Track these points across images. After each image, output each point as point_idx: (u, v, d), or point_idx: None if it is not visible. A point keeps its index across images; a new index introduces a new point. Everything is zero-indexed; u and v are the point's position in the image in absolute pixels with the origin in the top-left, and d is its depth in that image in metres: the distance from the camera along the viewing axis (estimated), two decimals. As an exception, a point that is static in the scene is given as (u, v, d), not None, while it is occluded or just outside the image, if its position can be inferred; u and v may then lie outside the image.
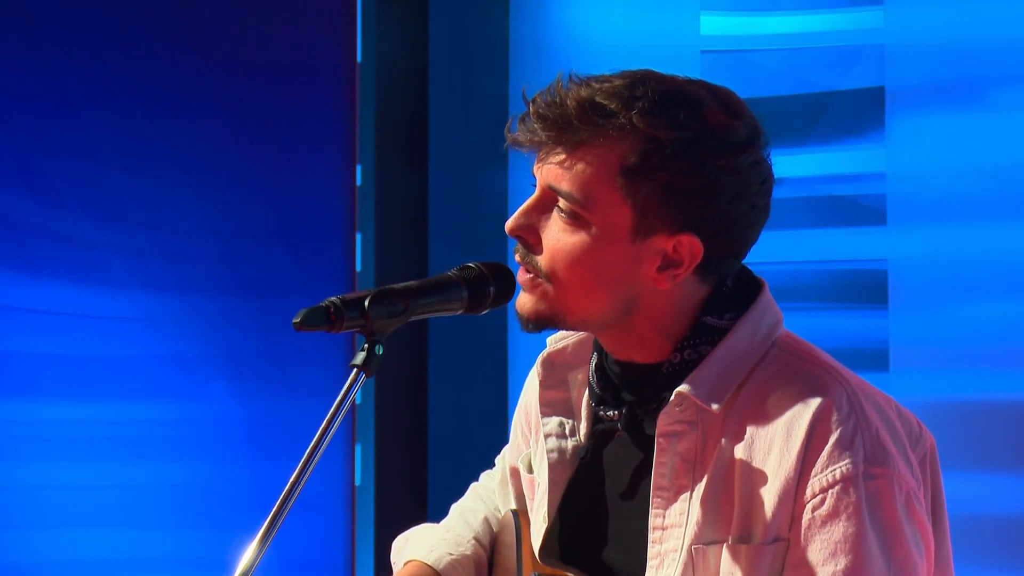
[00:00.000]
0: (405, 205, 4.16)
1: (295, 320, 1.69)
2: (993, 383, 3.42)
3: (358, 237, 4.13)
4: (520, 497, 2.12)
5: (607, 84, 1.79)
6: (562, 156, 1.79)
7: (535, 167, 1.84)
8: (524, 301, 1.84)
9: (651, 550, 1.80)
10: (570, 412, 1.97)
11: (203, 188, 3.94)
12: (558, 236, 1.80)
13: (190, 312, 3.90)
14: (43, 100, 3.70)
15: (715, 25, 3.79)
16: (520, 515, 2.05)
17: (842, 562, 1.71)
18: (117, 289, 3.80)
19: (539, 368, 1.98)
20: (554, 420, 1.97)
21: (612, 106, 1.77)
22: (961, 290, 3.47)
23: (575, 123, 1.77)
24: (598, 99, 1.77)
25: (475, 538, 2.11)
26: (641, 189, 1.77)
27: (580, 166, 1.78)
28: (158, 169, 3.87)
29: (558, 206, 1.81)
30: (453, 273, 1.84)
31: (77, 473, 3.73)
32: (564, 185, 1.79)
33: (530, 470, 2.01)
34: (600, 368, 1.91)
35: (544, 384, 1.98)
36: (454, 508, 2.19)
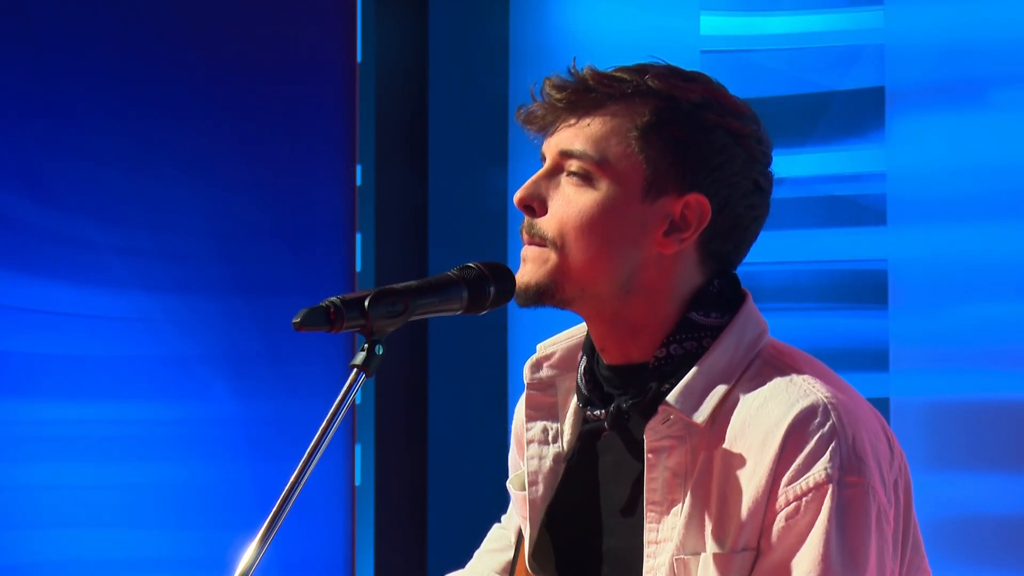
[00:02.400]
0: (405, 205, 4.16)
1: (295, 320, 1.68)
2: (993, 383, 3.42)
3: (358, 237, 4.13)
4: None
5: (618, 66, 1.85)
6: (576, 120, 1.83)
7: (545, 143, 1.86)
8: (524, 272, 1.84)
9: (646, 564, 1.79)
10: (555, 417, 1.96)
11: (203, 188, 3.94)
12: (568, 198, 1.82)
13: (190, 312, 3.91)
14: (43, 100, 3.70)
15: (715, 25, 3.79)
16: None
17: (811, 568, 1.70)
18: (117, 289, 3.80)
19: (527, 372, 1.97)
20: (538, 426, 1.96)
21: (626, 76, 1.83)
22: (961, 290, 3.47)
23: (592, 85, 1.82)
24: (611, 72, 1.84)
25: (499, 574, 2.11)
26: (655, 146, 1.80)
27: (595, 126, 1.82)
28: (158, 169, 3.87)
29: (569, 171, 1.83)
30: (453, 273, 1.83)
31: (77, 473, 3.73)
32: (578, 145, 1.82)
33: (522, 488, 2.01)
34: (589, 371, 1.90)
35: (531, 387, 1.97)
36: (476, 554, 2.17)
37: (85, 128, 3.77)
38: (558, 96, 1.83)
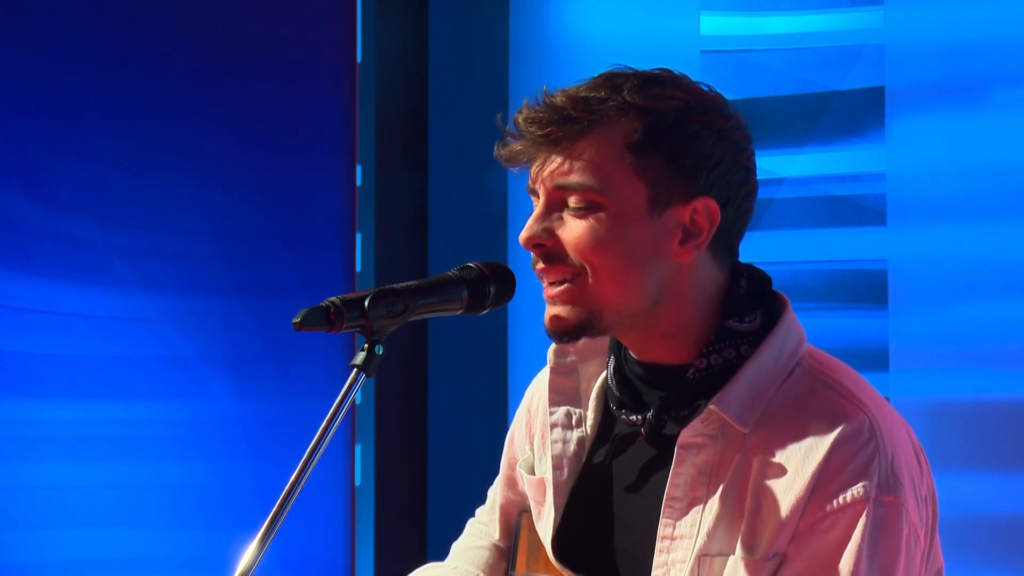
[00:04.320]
0: (405, 205, 4.16)
1: (295, 320, 1.68)
2: (993, 383, 3.42)
3: (358, 237, 4.13)
4: (508, 530, 2.12)
5: (585, 83, 1.82)
6: (564, 152, 1.79)
7: (532, 179, 1.83)
8: (557, 311, 1.82)
9: (657, 559, 1.80)
10: (578, 402, 1.97)
11: (203, 188, 3.94)
12: (579, 229, 1.80)
13: (190, 312, 3.91)
14: (43, 100, 3.70)
15: (715, 25, 3.79)
16: (525, 516, 2.05)
17: None
18: (117, 289, 3.80)
19: (551, 356, 1.98)
20: (561, 410, 1.97)
21: (602, 94, 1.79)
22: (961, 290, 3.47)
23: (572, 115, 1.78)
24: (584, 94, 1.80)
25: (483, 571, 2.11)
26: (651, 163, 1.79)
27: (586, 155, 1.79)
28: (158, 169, 3.87)
29: (569, 205, 1.80)
30: (453, 273, 1.83)
31: (77, 473, 3.73)
32: (574, 178, 1.79)
33: (532, 472, 2.01)
34: (619, 371, 1.91)
35: (555, 371, 1.97)
36: (455, 547, 2.18)
37: (85, 128, 3.77)
38: (540, 132, 1.79)
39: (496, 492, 2.16)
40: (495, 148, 1.85)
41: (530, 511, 2.04)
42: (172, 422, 3.87)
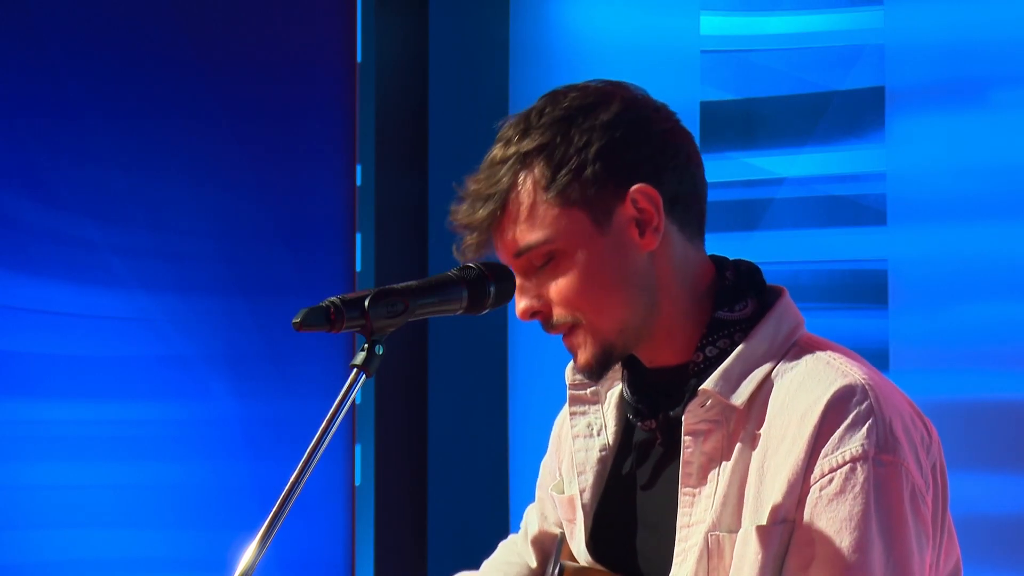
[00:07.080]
0: (405, 205, 4.16)
1: (295, 320, 1.69)
2: (993, 383, 3.42)
3: (358, 237, 4.13)
4: (543, 558, 2.15)
5: (493, 147, 1.90)
6: (502, 228, 1.85)
7: (498, 253, 1.88)
8: (578, 357, 1.88)
9: (678, 547, 1.82)
10: (597, 413, 2.00)
11: (203, 188, 3.94)
12: (556, 283, 1.85)
13: (190, 312, 3.91)
14: (43, 100, 3.70)
15: (715, 25, 3.79)
16: (564, 538, 2.07)
17: (845, 540, 1.73)
18: (117, 289, 3.80)
19: (568, 373, 2.01)
20: (582, 421, 2.00)
21: (499, 156, 1.87)
22: (961, 290, 3.47)
23: (488, 194, 1.85)
24: (487, 168, 1.88)
25: None
26: (571, 189, 1.83)
27: (519, 219, 1.84)
28: (158, 169, 3.87)
29: (534, 265, 1.85)
30: (453, 273, 1.84)
31: (77, 473, 3.73)
32: (524, 241, 1.84)
33: (562, 492, 2.03)
34: (631, 381, 1.94)
35: (572, 387, 2.01)
36: (487, 562, 2.21)
37: (85, 128, 3.77)
38: (473, 228, 1.85)
39: (531, 521, 2.19)
40: (453, 250, 1.90)
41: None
42: (172, 422, 3.87)
